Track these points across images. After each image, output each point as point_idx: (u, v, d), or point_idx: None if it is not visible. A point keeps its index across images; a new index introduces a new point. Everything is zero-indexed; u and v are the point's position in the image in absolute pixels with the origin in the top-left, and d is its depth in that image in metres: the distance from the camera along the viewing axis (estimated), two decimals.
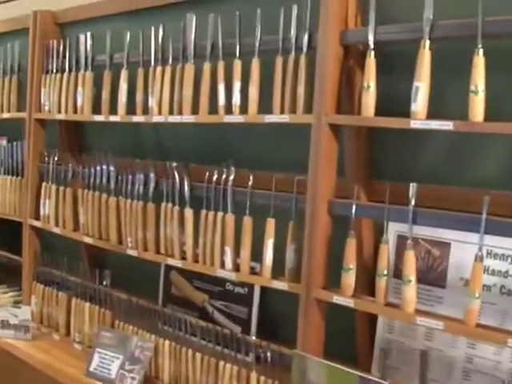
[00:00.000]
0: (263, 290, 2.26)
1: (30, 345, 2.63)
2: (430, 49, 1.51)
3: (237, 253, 1.96)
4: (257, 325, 2.30)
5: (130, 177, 2.29)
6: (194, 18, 2.05)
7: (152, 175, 2.20)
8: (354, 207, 1.67)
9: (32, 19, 2.76)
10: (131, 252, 2.29)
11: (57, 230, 2.66)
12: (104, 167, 2.40)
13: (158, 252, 2.22)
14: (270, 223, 1.85)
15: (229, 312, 2.41)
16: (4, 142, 3.32)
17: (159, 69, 2.16)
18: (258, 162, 2.06)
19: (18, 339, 2.66)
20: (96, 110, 2.49)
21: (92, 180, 2.46)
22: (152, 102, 2.17)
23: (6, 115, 2.97)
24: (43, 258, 2.80)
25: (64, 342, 2.62)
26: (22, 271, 2.87)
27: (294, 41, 1.80)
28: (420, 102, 1.52)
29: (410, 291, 1.57)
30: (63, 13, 2.77)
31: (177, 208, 2.11)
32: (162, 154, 2.45)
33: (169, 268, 2.57)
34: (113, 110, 2.39)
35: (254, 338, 2.02)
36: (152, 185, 2.20)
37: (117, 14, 2.49)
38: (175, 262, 2.13)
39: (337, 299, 1.69)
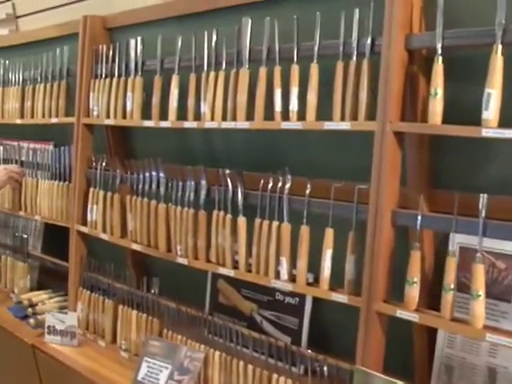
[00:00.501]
0: (315, 300, 2.20)
1: (76, 351, 2.61)
2: (503, 54, 1.45)
3: (292, 263, 1.91)
4: (307, 336, 2.26)
5: (180, 183, 2.25)
6: (250, 21, 2.01)
7: (203, 182, 2.16)
8: (419, 218, 1.61)
9: (82, 24, 2.75)
10: (181, 260, 2.25)
11: (104, 237, 2.63)
12: (153, 173, 2.37)
13: (208, 261, 2.18)
14: (329, 233, 1.79)
15: (278, 322, 2.36)
16: (51, 147, 3.32)
17: (212, 74, 2.12)
18: (310, 170, 2.00)
19: (64, 345, 2.64)
20: (145, 115, 2.46)
21: (141, 186, 2.42)
22: (204, 108, 2.13)
23: (54, 120, 2.95)
24: (89, 264, 2.78)
25: (110, 350, 2.60)
26: (68, 277, 2.85)
27: (355, 45, 1.74)
28: (492, 109, 1.45)
29: (479, 306, 1.50)
30: (113, 18, 2.74)
31: (229, 216, 2.07)
32: (211, 161, 2.41)
33: (216, 276, 2.53)
34: (162, 115, 2.35)
35: (308, 350, 1.95)
36: (203, 192, 2.16)
37: (168, 18, 2.45)
38: (227, 272, 2.09)
39: (400, 313, 1.63)
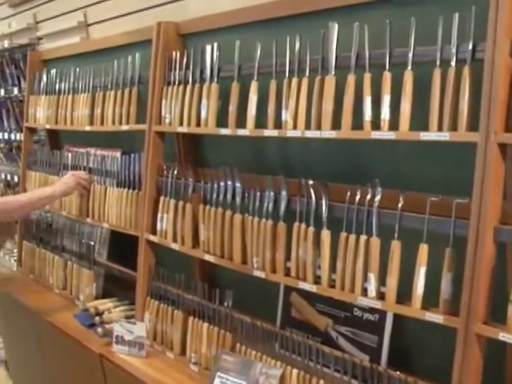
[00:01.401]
0: (396, 317, 2.10)
1: (144, 362, 2.57)
2: None
3: (380, 280, 1.81)
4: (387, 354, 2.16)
5: (258, 194, 2.18)
6: (337, 26, 1.93)
7: (284, 193, 2.09)
8: None
9: (155, 30, 2.71)
10: (257, 273, 2.18)
11: (175, 246, 2.58)
12: (229, 183, 2.31)
13: (287, 274, 2.10)
14: (423, 249, 1.69)
15: (356, 339, 2.26)
16: (118, 154, 3.30)
17: (295, 80, 2.05)
18: (398, 181, 1.91)
19: (132, 356, 2.60)
20: (220, 123, 2.40)
21: (215, 196, 2.36)
22: (286, 116, 2.06)
23: (124, 127, 2.93)
24: (158, 274, 2.73)
25: (179, 362, 2.54)
26: (136, 286, 2.81)
27: (454, 51, 1.65)
28: None
29: None
30: (187, 24, 2.70)
31: (312, 229, 1.99)
32: (286, 170, 2.34)
33: (289, 289, 2.45)
34: (239, 123, 2.29)
35: (397, 372, 1.85)
36: (284, 203, 2.08)
37: (245, 24, 2.40)
38: (309, 287, 2.00)
39: (503, 336, 1.52)
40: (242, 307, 2.39)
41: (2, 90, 4.66)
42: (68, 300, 3.38)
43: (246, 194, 2.24)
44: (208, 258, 2.39)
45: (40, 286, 3.66)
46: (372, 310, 2.19)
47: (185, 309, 2.56)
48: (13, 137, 4.62)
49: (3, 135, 4.78)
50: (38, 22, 4.33)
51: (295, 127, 2.03)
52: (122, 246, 3.31)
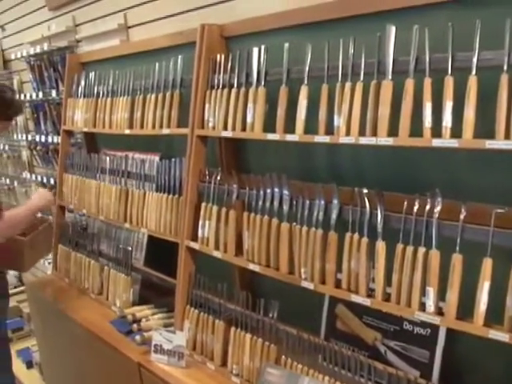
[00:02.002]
0: (448, 332, 2.01)
1: (184, 373, 2.50)
2: None
3: (439, 294, 1.72)
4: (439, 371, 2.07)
5: (307, 202, 2.10)
6: (394, 29, 1.85)
7: (335, 201, 2.01)
8: None
9: (199, 33, 2.65)
10: (306, 284, 2.10)
11: (217, 254, 2.51)
12: (276, 190, 2.23)
13: (337, 286, 2.02)
14: (487, 263, 1.60)
15: (405, 354, 2.18)
16: (157, 158, 3.25)
17: (348, 85, 1.97)
18: (458, 192, 1.82)
19: (171, 365, 2.54)
20: (266, 127, 2.33)
21: (260, 203, 2.29)
22: (339, 122, 1.98)
23: (165, 131, 2.87)
24: (198, 282, 2.66)
25: (219, 373, 2.47)
26: (176, 294, 2.74)
27: None
28: None
29: None
30: (232, 26, 2.64)
31: (365, 239, 1.90)
32: (335, 178, 2.25)
33: (334, 300, 2.38)
34: (287, 128, 2.22)
35: None
36: (335, 212, 2.01)
37: (294, 26, 2.32)
38: (361, 300, 1.92)
39: None
40: (283, 317, 2.31)
41: (40, 93, 4.65)
42: (104, 305, 3.33)
43: (294, 202, 2.16)
44: (253, 267, 2.31)
45: (75, 291, 3.62)
46: (423, 324, 2.11)
47: (226, 318, 2.49)
48: (50, 139, 4.61)
49: (40, 138, 4.77)
50: (77, 25, 4.31)
51: (348, 133, 1.95)
52: (160, 251, 3.26)
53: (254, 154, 2.73)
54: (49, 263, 4.31)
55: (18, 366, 4.41)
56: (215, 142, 2.74)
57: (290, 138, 2.15)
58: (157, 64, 2.99)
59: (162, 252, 3.22)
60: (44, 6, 4.77)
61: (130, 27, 3.66)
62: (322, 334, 2.46)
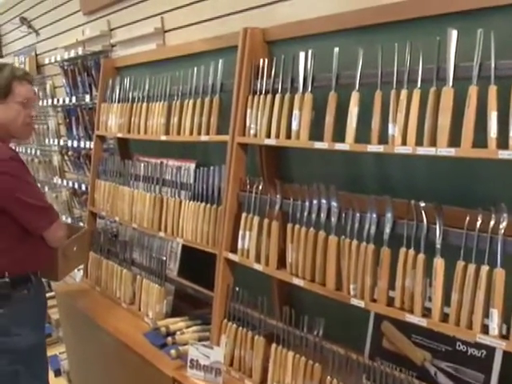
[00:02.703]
0: (506, 354, 1.89)
1: None
2: None
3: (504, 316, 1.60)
4: None
5: (357, 214, 1.99)
6: (456, 33, 1.74)
7: (389, 215, 1.89)
8: None
9: (241, 37, 2.56)
10: (355, 302, 1.99)
11: (258, 267, 2.41)
12: (323, 201, 2.13)
13: (389, 304, 1.91)
14: None
15: (458, 376, 2.06)
16: (192, 166, 3.16)
17: (404, 92, 1.86)
18: None
19: (207, 382, 2.44)
20: (312, 135, 2.22)
21: (306, 214, 2.19)
22: (394, 130, 1.87)
23: (204, 138, 2.78)
24: (236, 295, 2.56)
25: None
26: (213, 307, 2.64)
27: None
28: None
29: None
30: (274, 30, 2.54)
31: (422, 256, 1.79)
32: (384, 189, 2.15)
33: (380, 317, 2.26)
34: (335, 136, 2.11)
35: None
36: (389, 226, 1.89)
37: (343, 30, 2.22)
38: (417, 320, 1.80)
39: None
40: (324, 333, 2.19)
41: (74, 98, 4.60)
42: (136, 316, 3.24)
43: (344, 214, 2.05)
44: (297, 281, 2.21)
45: (107, 300, 3.54)
46: (479, 346, 1.99)
47: (267, 334, 2.39)
48: (81, 145, 4.55)
49: (72, 143, 4.71)
50: (111, 29, 4.25)
51: (404, 143, 1.84)
52: (194, 261, 3.17)
53: (296, 163, 2.62)
54: (78, 270, 4.23)
55: None
56: (255, 149, 2.64)
57: (339, 147, 2.04)
58: (195, 69, 2.90)
59: (196, 262, 3.12)
60: (79, 11, 4.73)
61: (166, 31, 3.58)
62: (366, 353, 2.35)
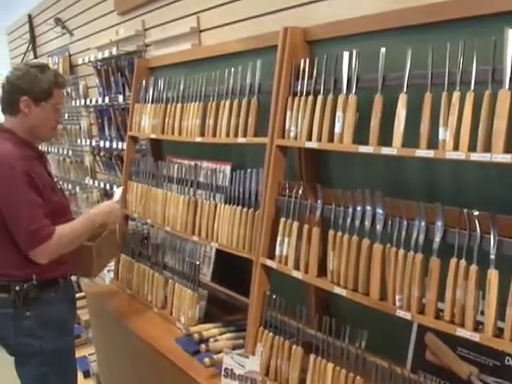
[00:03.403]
0: None
1: None
2: None
3: None
4: None
5: (405, 222, 1.90)
6: None
7: (439, 223, 1.80)
8: None
9: (281, 36, 2.48)
10: (401, 314, 1.89)
11: (297, 274, 2.33)
12: (368, 207, 2.04)
13: (437, 317, 1.81)
14: None
15: None
16: (227, 168, 3.09)
17: (456, 94, 1.77)
18: None
19: None
20: (356, 139, 2.14)
21: (349, 221, 2.10)
22: (445, 135, 1.78)
23: (241, 140, 2.70)
24: (272, 302, 2.48)
25: None
26: (248, 314, 2.56)
27: None
28: None
29: None
30: (316, 29, 2.46)
31: (474, 267, 1.69)
32: (430, 196, 2.06)
33: (423, 328, 2.17)
34: (381, 140, 2.03)
35: None
36: (439, 235, 1.80)
37: (390, 29, 2.13)
38: (469, 335, 1.70)
39: None
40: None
41: (107, 98, 4.57)
42: (168, 321, 3.18)
43: (390, 222, 1.96)
44: (338, 290, 2.12)
45: (138, 303, 3.49)
46: None
47: (305, 344, 2.31)
48: (114, 145, 4.52)
49: (104, 143, 4.68)
50: (146, 29, 4.21)
51: (456, 148, 1.75)
52: (228, 266, 3.10)
53: (336, 167, 2.54)
54: (108, 271, 4.19)
55: None
56: (293, 152, 2.57)
57: (386, 151, 1.95)
58: (232, 69, 2.83)
59: (230, 267, 3.06)
60: (113, 11, 4.70)
61: (202, 31, 3.52)
62: (408, 365, 2.26)
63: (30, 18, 6.95)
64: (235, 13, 3.23)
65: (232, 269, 3.00)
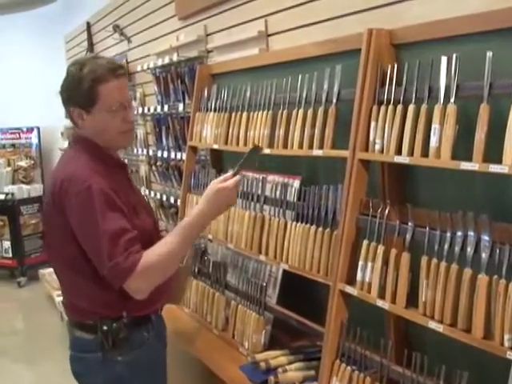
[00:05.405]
0: None
1: None
2: None
3: None
4: None
5: None
6: None
7: None
8: None
9: (365, 39, 2.25)
10: None
11: (382, 304, 2.08)
12: (470, 233, 1.78)
13: None
14: None
15: None
16: (296, 183, 2.86)
17: None
18: None
19: None
20: (455, 154, 1.89)
21: (446, 247, 1.85)
22: None
23: (317, 152, 2.46)
24: (348, 332, 2.24)
25: None
26: (323, 345, 2.32)
27: None
28: None
29: None
30: (404, 31, 2.22)
31: None
32: None
33: None
34: (486, 155, 1.77)
35: None
36: None
37: (495, 30, 1.87)
38: None
39: None
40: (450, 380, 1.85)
41: (166, 106, 4.39)
42: (229, 345, 2.97)
43: (497, 250, 1.70)
44: (434, 326, 1.86)
45: (197, 323, 3.28)
46: None
47: (388, 381, 2.06)
48: (172, 155, 4.34)
49: (162, 153, 4.51)
50: (208, 35, 4.02)
51: None
52: (296, 289, 2.87)
53: (425, 185, 2.28)
54: None
55: None
56: (375, 167, 2.32)
57: (494, 169, 1.70)
58: (306, 75, 2.60)
59: (298, 290, 2.83)
60: (172, 17, 4.54)
61: (270, 35, 3.31)
62: None
63: (89, 25, 6.88)
64: (307, 15, 3.01)
65: (300, 292, 2.78)
